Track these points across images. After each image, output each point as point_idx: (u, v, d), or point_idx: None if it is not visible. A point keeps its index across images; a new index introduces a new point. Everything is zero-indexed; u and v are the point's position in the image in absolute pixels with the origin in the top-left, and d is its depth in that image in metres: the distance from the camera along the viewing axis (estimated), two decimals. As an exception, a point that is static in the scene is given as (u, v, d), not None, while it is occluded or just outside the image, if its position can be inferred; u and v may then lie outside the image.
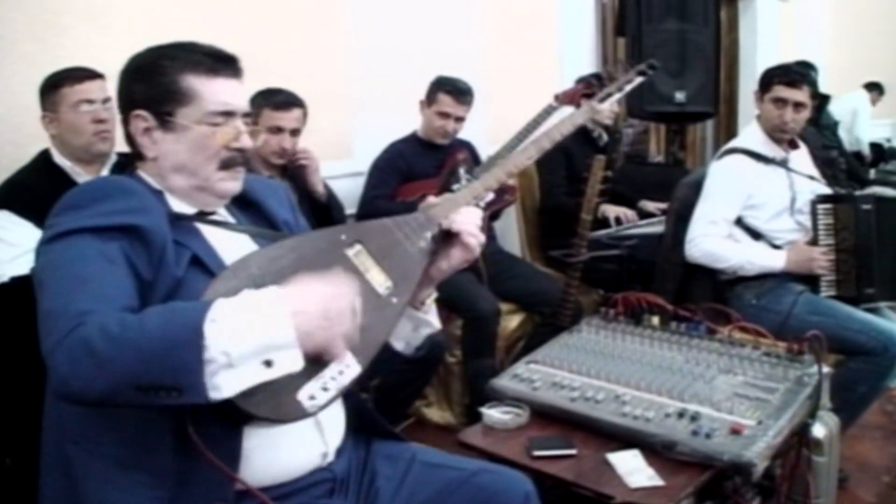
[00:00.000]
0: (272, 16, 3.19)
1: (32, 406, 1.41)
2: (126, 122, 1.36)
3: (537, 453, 1.72)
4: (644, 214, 3.83)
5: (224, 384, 1.05)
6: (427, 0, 3.89)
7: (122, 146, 2.35)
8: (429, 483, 1.47)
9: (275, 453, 1.28)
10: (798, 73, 2.84)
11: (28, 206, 2.15)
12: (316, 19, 3.36)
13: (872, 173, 5.90)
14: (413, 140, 3.38)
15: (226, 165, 1.37)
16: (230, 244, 1.39)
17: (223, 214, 1.44)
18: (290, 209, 1.57)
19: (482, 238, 1.45)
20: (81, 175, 2.29)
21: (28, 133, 2.39)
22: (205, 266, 1.30)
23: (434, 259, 1.44)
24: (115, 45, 2.68)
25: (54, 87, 2.22)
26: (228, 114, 1.36)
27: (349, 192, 3.38)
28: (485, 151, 3.53)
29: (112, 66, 2.36)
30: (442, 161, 3.33)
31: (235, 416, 1.14)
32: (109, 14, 2.71)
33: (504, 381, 2.00)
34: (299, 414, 1.15)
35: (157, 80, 1.33)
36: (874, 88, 7.14)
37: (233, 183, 1.40)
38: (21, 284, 1.53)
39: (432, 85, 3.31)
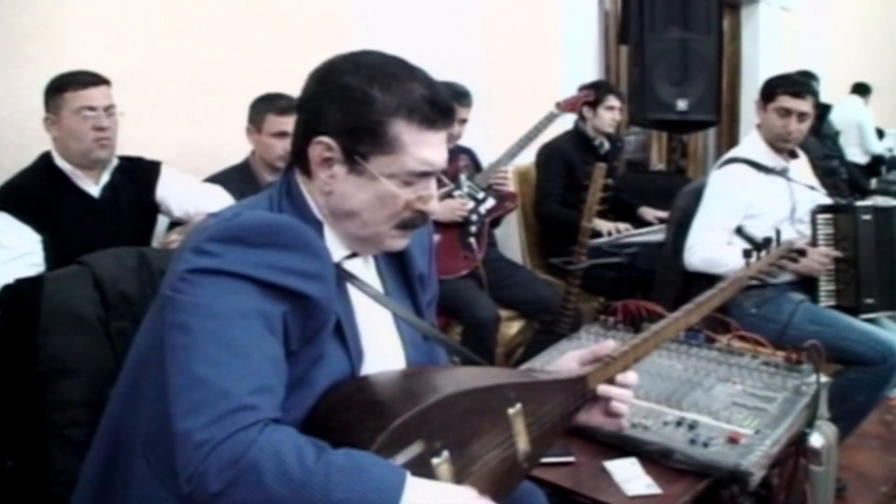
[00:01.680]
0: (275, 22, 3.20)
1: (34, 408, 1.42)
2: (305, 138, 1.19)
3: (535, 460, 1.72)
4: (643, 222, 3.84)
5: None
6: (430, 7, 3.91)
7: (121, 150, 2.41)
8: None
9: None
10: (802, 84, 2.86)
11: (27, 208, 2.17)
12: (319, 26, 3.37)
13: (874, 183, 5.90)
14: (414, 146, 3.38)
15: (404, 225, 1.22)
16: (367, 309, 1.25)
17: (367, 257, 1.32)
18: (428, 256, 1.44)
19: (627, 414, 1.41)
20: (82, 178, 2.31)
21: (31, 135, 2.40)
22: (344, 337, 1.18)
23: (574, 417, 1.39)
24: (119, 48, 2.71)
25: (58, 90, 2.24)
26: (426, 174, 1.20)
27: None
28: (485, 158, 3.54)
29: (118, 69, 2.42)
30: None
31: None
32: (113, 17, 2.73)
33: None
34: None
35: (360, 114, 1.14)
36: (864, 91, 7.15)
37: (402, 241, 1.25)
38: (25, 286, 1.53)
39: None
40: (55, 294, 1.47)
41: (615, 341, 1.47)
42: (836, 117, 6.12)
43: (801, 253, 1.91)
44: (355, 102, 1.14)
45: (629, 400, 1.39)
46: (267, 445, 0.96)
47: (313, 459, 0.98)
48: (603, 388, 1.37)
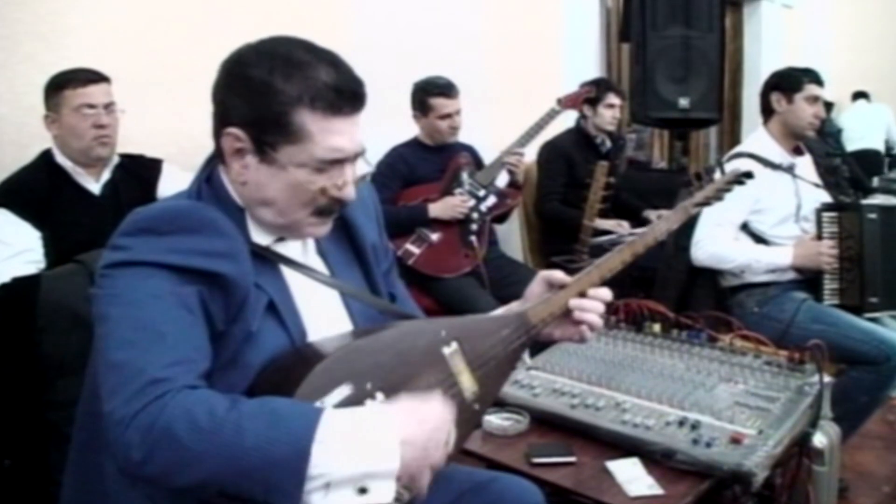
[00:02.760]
0: (275, 20, 3.19)
1: (31, 407, 1.41)
2: (217, 131, 1.19)
3: (536, 460, 1.71)
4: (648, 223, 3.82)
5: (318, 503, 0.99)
6: (431, 4, 3.90)
7: (122, 147, 2.40)
8: (441, 493, 1.44)
9: None
10: (817, 72, 2.92)
11: (27, 205, 2.17)
12: (320, 23, 3.36)
13: (876, 181, 5.89)
14: (415, 144, 3.38)
15: (321, 212, 1.21)
16: (306, 287, 1.25)
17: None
18: (377, 223, 1.44)
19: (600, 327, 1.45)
20: (82, 175, 2.30)
21: (31, 133, 2.40)
22: (279, 315, 1.19)
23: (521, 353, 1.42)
24: (119, 45, 2.70)
25: (58, 88, 2.23)
26: (339, 161, 1.18)
27: (351, 196, 3.38)
28: (487, 155, 3.53)
29: (118, 67, 2.41)
30: (444, 165, 3.33)
31: None
32: (114, 14, 2.73)
33: (504, 387, 1.99)
34: None
35: (264, 105, 1.13)
36: (865, 96, 7.20)
37: (323, 228, 1.24)
38: (23, 284, 1.52)
39: (418, 95, 3.31)
40: (52, 292, 1.47)
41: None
42: (863, 122, 6.19)
43: (748, 175, 1.91)
44: (258, 94, 1.14)
45: (600, 310, 1.44)
46: (178, 407, 0.98)
47: (224, 410, 1.00)
48: (576, 301, 1.44)
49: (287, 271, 1.24)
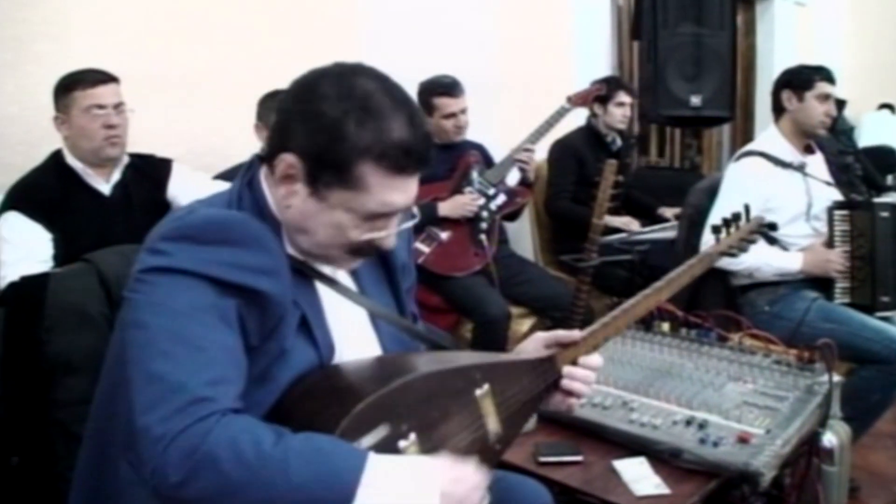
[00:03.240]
0: (282, 20, 3.20)
1: (40, 405, 1.42)
2: (272, 149, 1.15)
3: (544, 459, 1.71)
4: (661, 221, 3.80)
5: None
6: (441, 3, 3.89)
7: (132, 147, 2.41)
8: None
9: None
10: (829, 70, 2.89)
11: (39, 207, 2.18)
12: (326, 23, 3.36)
13: (889, 179, 5.84)
14: (424, 143, 3.37)
15: (356, 253, 1.20)
16: (338, 306, 1.24)
17: None
18: (408, 242, 1.43)
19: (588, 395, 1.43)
20: (93, 177, 2.31)
21: (40, 133, 2.41)
22: (310, 331, 1.18)
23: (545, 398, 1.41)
24: (128, 46, 2.71)
25: (67, 89, 2.24)
26: (387, 215, 1.16)
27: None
28: (497, 153, 3.53)
29: (127, 67, 2.42)
30: (454, 163, 3.33)
31: None
32: (122, 15, 2.74)
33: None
34: None
35: (329, 146, 1.10)
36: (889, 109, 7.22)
37: (355, 264, 1.24)
38: (31, 283, 1.53)
39: (422, 95, 3.29)
40: (60, 291, 1.48)
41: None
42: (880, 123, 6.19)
43: (772, 227, 1.94)
44: (326, 133, 1.10)
45: (590, 380, 1.40)
46: (223, 434, 0.97)
47: (271, 444, 0.98)
48: (567, 370, 1.38)
49: (318, 286, 1.23)
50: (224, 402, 1.01)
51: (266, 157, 1.19)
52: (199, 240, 1.07)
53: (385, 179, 1.11)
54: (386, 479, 1.01)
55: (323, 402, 1.11)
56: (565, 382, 1.39)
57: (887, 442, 2.87)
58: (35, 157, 2.34)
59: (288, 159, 1.12)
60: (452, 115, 3.27)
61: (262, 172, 1.21)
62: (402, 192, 1.14)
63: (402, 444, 1.10)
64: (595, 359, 1.42)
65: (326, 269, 1.25)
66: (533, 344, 1.42)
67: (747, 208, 2.05)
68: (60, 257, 2.14)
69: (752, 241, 1.92)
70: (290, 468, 0.97)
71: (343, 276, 1.29)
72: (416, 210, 1.26)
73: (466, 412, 1.22)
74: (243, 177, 1.22)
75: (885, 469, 2.73)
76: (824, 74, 2.85)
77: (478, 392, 1.25)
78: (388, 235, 1.19)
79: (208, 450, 0.96)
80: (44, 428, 1.41)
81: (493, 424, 1.27)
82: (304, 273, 1.20)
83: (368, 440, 1.06)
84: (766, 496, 1.87)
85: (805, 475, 1.96)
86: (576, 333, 1.42)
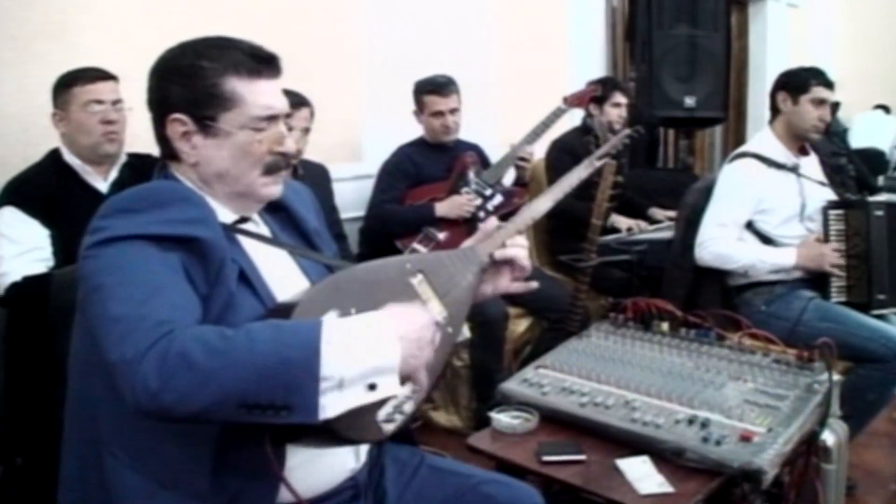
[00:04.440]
0: (283, 18, 3.20)
1: (43, 405, 1.41)
2: (161, 125, 1.29)
3: (547, 458, 1.71)
4: (653, 223, 3.82)
5: (330, 405, 1.05)
6: (437, 3, 3.90)
7: (130, 147, 2.41)
8: (436, 489, 1.46)
9: (314, 468, 1.29)
10: (826, 74, 2.88)
11: (36, 203, 2.17)
12: (326, 22, 3.37)
13: (881, 180, 5.88)
14: (421, 143, 3.39)
15: (269, 170, 1.32)
16: (268, 258, 1.35)
17: (256, 220, 1.41)
18: (317, 215, 1.54)
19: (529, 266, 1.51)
20: (91, 174, 2.30)
21: (39, 132, 2.41)
22: (250, 283, 1.27)
23: (479, 286, 1.50)
24: (130, 45, 2.70)
25: (66, 86, 2.24)
26: (272, 118, 1.30)
27: (358, 195, 3.39)
28: (493, 154, 3.53)
29: (127, 66, 2.40)
30: (450, 164, 3.34)
31: (290, 436, 1.15)
32: (123, 15, 2.73)
33: (513, 386, 2.00)
34: (379, 436, 1.16)
35: (196, 84, 1.26)
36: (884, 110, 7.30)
37: (275, 187, 1.36)
38: (34, 283, 1.52)
39: (414, 93, 3.33)
40: (63, 291, 1.47)
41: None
42: (873, 124, 6.24)
43: (638, 132, 2.17)
44: (190, 76, 1.26)
45: (523, 254, 1.50)
46: (188, 334, 1.05)
47: (234, 331, 1.07)
48: (500, 252, 1.49)
49: (249, 248, 1.33)
50: (182, 322, 1.08)
51: (164, 152, 1.34)
52: (131, 209, 1.17)
53: (250, 85, 1.28)
54: (345, 335, 1.08)
55: (275, 315, 1.18)
56: (499, 253, 1.48)
57: (883, 440, 2.89)
58: (33, 156, 2.34)
59: (175, 117, 1.27)
60: (440, 114, 3.28)
61: (170, 167, 1.34)
62: (272, 94, 1.31)
63: None
64: (520, 238, 1.53)
65: (251, 227, 1.37)
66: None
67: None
68: (58, 255, 2.13)
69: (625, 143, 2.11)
70: (255, 342, 1.04)
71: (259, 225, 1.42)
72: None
73: (407, 298, 1.31)
74: (157, 178, 1.35)
75: (881, 467, 2.74)
76: (821, 79, 2.86)
77: (413, 280, 1.36)
78: (283, 137, 1.32)
79: (178, 350, 1.02)
80: (47, 429, 1.40)
81: (437, 307, 1.37)
82: (231, 236, 1.30)
83: None
84: (766, 494, 1.88)
85: (804, 473, 1.98)
86: (492, 226, 1.53)
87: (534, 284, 1.55)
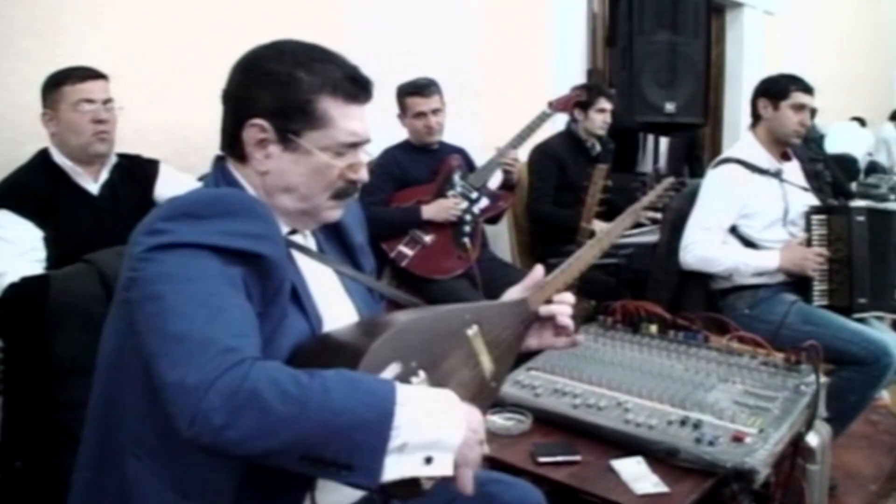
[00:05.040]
0: (270, 19, 3.18)
1: (43, 409, 1.40)
2: (237, 124, 1.23)
3: (542, 459, 1.72)
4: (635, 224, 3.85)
5: (388, 468, 1.02)
6: (422, 6, 3.91)
7: (119, 147, 2.39)
8: (440, 491, 1.46)
9: (337, 490, 1.24)
10: (806, 81, 2.92)
11: (27, 205, 2.15)
12: (313, 22, 3.36)
13: (854, 186, 5.97)
14: (406, 146, 3.39)
15: (338, 195, 1.28)
16: (314, 274, 1.30)
17: (304, 231, 1.36)
18: (362, 229, 1.51)
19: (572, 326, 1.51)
20: (81, 175, 2.28)
21: (25, 131, 2.38)
22: (300, 302, 1.23)
23: (525, 339, 1.50)
24: (115, 43, 2.69)
25: (56, 84, 2.21)
26: (355, 145, 1.27)
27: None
28: (476, 157, 3.55)
29: (112, 64, 2.40)
30: (436, 167, 3.34)
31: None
32: (109, 12, 2.71)
33: (505, 388, 2.00)
34: (420, 497, 1.12)
35: (289, 96, 1.21)
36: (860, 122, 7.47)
37: (339, 212, 1.32)
38: (32, 284, 1.51)
39: (397, 97, 3.33)
40: (62, 292, 1.46)
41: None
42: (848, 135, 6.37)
43: (683, 184, 2.12)
44: (283, 85, 1.21)
45: (567, 312, 1.50)
46: (262, 373, 1.00)
47: (308, 378, 1.02)
48: (545, 309, 1.49)
49: (301, 264, 1.29)
50: (251, 351, 1.04)
51: (228, 148, 1.27)
52: (196, 215, 1.11)
53: (343, 109, 1.24)
54: (418, 401, 1.06)
55: (331, 357, 1.14)
56: (544, 310, 1.48)
57: (861, 442, 2.94)
58: (20, 155, 2.31)
59: (256, 123, 1.21)
60: (422, 115, 3.28)
61: (231, 166, 1.27)
62: (360, 120, 1.27)
63: (414, 380, 1.16)
64: (567, 295, 1.53)
65: (298, 239, 1.33)
66: (510, 292, 1.53)
67: (657, 171, 2.18)
68: (50, 258, 2.11)
69: (669, 198, 2.07)
70: (331, 394, 1.01)
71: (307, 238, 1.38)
72: (368, 154, 1.35)
73: (462, 351, 1.30)
74: (214, 174, 1.28)
75: (860, 469, 2.79)
76: (801, 85, 2.90)
77: (469, 332, 1.33)
78: (360, 167, 1.28)
79: (251, 388, 0.98)
80: (46, 431, 1.39)
81: (486, 362, 1.36)
82: (291, 247, 1.27)
83: (385, 375, 1.12)
84: (754, 494, 1.91)
85: (790, 474, 2.01)
86: (540, 275, 1.53)
87: (580, 339, 1.53)
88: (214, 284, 1.07)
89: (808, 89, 2.91)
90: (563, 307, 1.50)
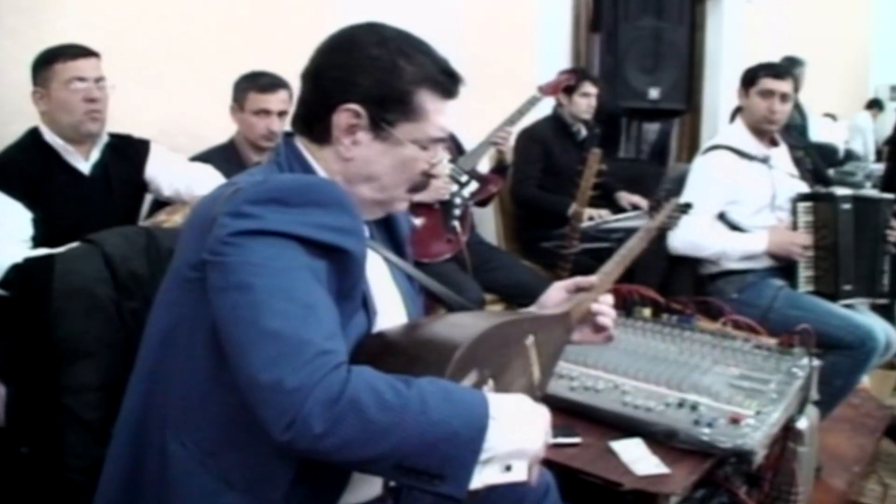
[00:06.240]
0: (257, 7, 3.15)
1: (48, 392, 1.38)
2: (327, 107, 1.20)
3: (543, 441, 1.73)
4: (618, 208, 3.87)
5: (473, 478, 1.03)
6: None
7: (111, 127, 2.35)
8: None
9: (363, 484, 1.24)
10: (781, 66, 2.95)
11: (18, 185, 2.11)
12: (296, 11, 3.32)
13: (832, 173, 6.04)
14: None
15: (414, 188, 1.28)
16: (372, 269, 1.27)
17: None
18: (407, 221, 1.50)
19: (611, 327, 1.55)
20: (73, 154, 2.25)
21: (12, 110, 2.34)
22: (364, 297, 1.21)
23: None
24: (103, 21, 2.65)
25: (47, 62, 2.17)
26: (440, 140, 1.26)
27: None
28: (467, 142, 3.53)
29: (99, 42, 2.35)
30: (425, 150, 3.32)
31: None
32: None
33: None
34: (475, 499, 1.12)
35: (391, 83, 1.19)
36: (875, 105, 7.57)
37: (406, 204, 1.33)
38: (37, 264, 1.48)
39: None
40: (67, 274, 1.42)
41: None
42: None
43: (688, 206, 2.19)
44: (387, 72, 1.19)
45: (610, 314, 1.54)
46: (361, 380, 1.00)
47: (405, 387, 1.02)
48: (596, 306, 1.53)
49: None
50: (343, 354, 1.03)
51: (307, 128, 1.24)
52: (286, 202, 1.08)
53: (438, 104, 1.23)
54: (506, 413, 1.06)
55: (409, 358, 1.13)
56: (601, 319, 1.53)
57: (844, 425, 2.98)
58: (7, 134, 2.27)
59: (351, 108, 1.18)
60: None
61: (302, 146, 1.25)
62: (447, 116, 1.26)
63: (485, 388, 1.16)
64: (609, 297, 1.57)
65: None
66: (555, 291, 1.55)
67: (668, 192, 2.26)
68: (39, 238, 2.08)
69: (677, 219, 2.17)
70: (429, 407, 1.00)
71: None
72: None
73: (520, 360, 1.31)
74: (286, 153, 1.25)
75: (844, 451, 2.83)
76: (769, 70, 2.90)
77: (527, 342, 1.34)
78: (439, 164, 1.29)
79: (352, 396, 0.97)
80: (53, 416, 1.37)
81: (537, 372, 1.37)
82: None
83: (465, 384, 1.12)
84: (746, 475, 1.95)
85: (781, 456, 2.04)
86: (592, 279, 1.57)
87: (614, 335, 1.59)
88: (303, 279, 1.05)
89: (777, 75, 2.89)
90: (604, 307, 1.54)
